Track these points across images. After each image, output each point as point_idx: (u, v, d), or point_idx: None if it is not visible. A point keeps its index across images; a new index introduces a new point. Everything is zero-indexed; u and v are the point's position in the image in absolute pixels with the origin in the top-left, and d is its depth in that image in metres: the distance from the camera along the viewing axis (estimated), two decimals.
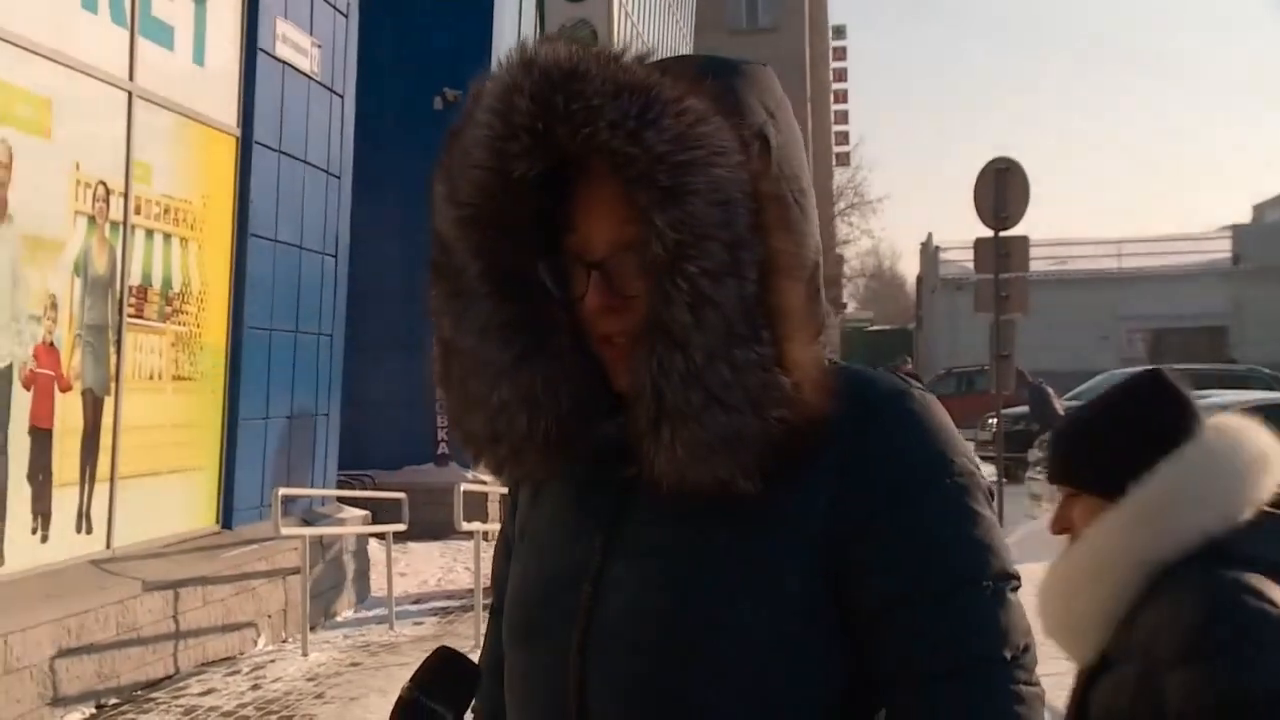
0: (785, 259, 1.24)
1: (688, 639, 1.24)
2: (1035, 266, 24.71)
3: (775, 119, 1.35)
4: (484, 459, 1.37)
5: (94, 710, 6.79)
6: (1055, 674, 1.77)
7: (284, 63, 9.44)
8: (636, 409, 1.25)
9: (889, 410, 1.30)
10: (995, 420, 15.93)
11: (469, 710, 1.34)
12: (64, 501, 7.14)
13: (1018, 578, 1.28)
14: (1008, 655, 1.23)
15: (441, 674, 1.32)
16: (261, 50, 9.06)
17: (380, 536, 10.50)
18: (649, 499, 1.29)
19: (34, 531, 6.88)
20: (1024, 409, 23.54)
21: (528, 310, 1.33)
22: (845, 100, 76.41)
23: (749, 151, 1.24)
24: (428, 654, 1.35)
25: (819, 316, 1.36)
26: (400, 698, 1.30)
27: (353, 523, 10.53)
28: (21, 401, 6.73)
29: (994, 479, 15.10)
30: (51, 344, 6.99)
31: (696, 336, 1.21)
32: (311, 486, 10.25)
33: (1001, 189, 14.69)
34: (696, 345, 1.21)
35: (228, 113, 8.85)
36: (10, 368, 6.64)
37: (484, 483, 12.02)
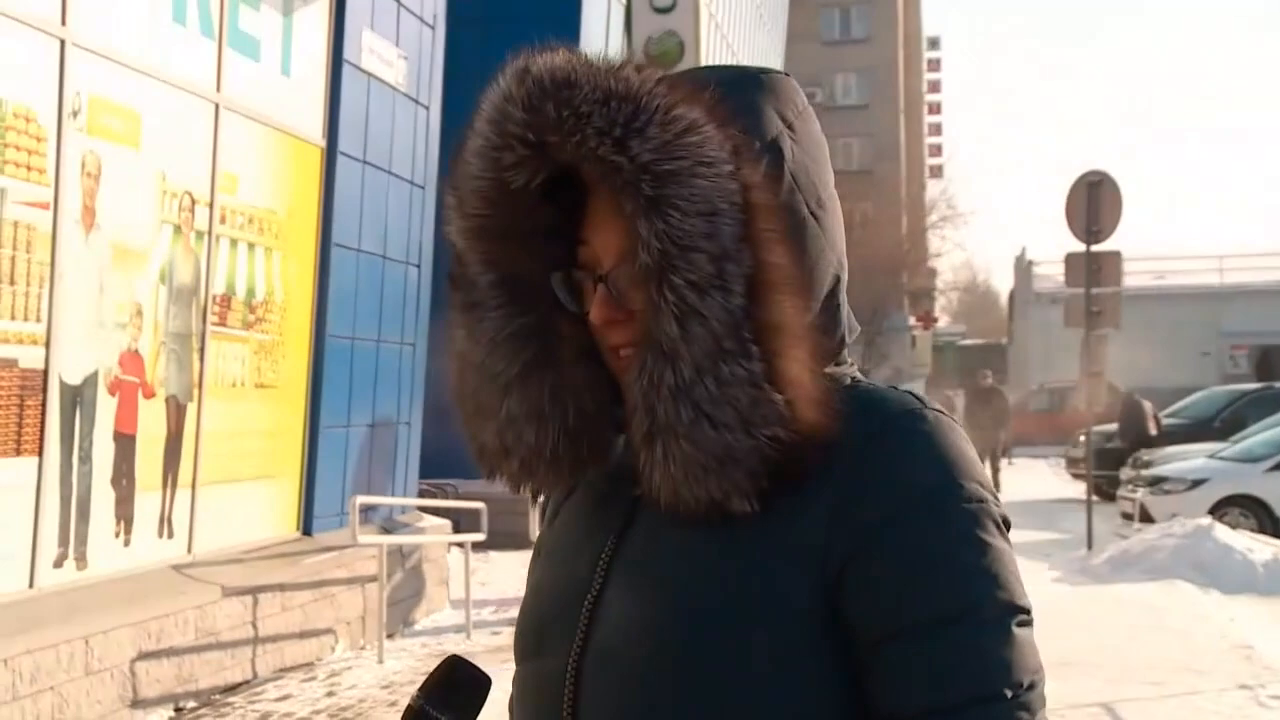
0: (777, 273, 1.21)
1: (678, 662, 1.22)
2: (1134, 281, 24.39)
3: (794, 130, 1.32)
4: (497, 473, 1.36)
5: (172, 713, 6.88)
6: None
7: (370, 74, 9.53)
8: (632, 424, 1.24)
9: (894, 430, 1.25)
10: (1085, 438, 15.63)
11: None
12: (146, 506, 7.25)
13: (1027, 611, 1.22)
14: (1008, 694, 1.17)
15: (450, 683, 1.29)
16: (348, 62, 9.15)
17: (459, 545, 10.55)
18: (651, 517, 1.28)
19: (116, 536, 6.99)
20: (1116, 425, 23.17)
21: (538, 322, 1.32)
22: (939, 112, 75.93)
23: (741, 161, 1.21)
24: (440, 662, 1.33)
25: (835, 333, 1.34)
26: (408, 706, 1.28)
27: (432, 531, 10.58)
28: (106, 407, 6.84)
29: (1084, 498, 14.88)
30: (136, 351, 7.10)
31: (684, 350, 1.19)
32: (392, 494, 10.33)
33: (1094, 202, 14.46)
34: (684, 359, 1.19)
35: (313, 124, 8.95)
36: (96, 374, 6.75)
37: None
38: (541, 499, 1.49)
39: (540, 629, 1.35)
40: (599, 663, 1.27)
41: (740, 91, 1.31)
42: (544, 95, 1.21)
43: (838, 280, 1.35)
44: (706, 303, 1.18)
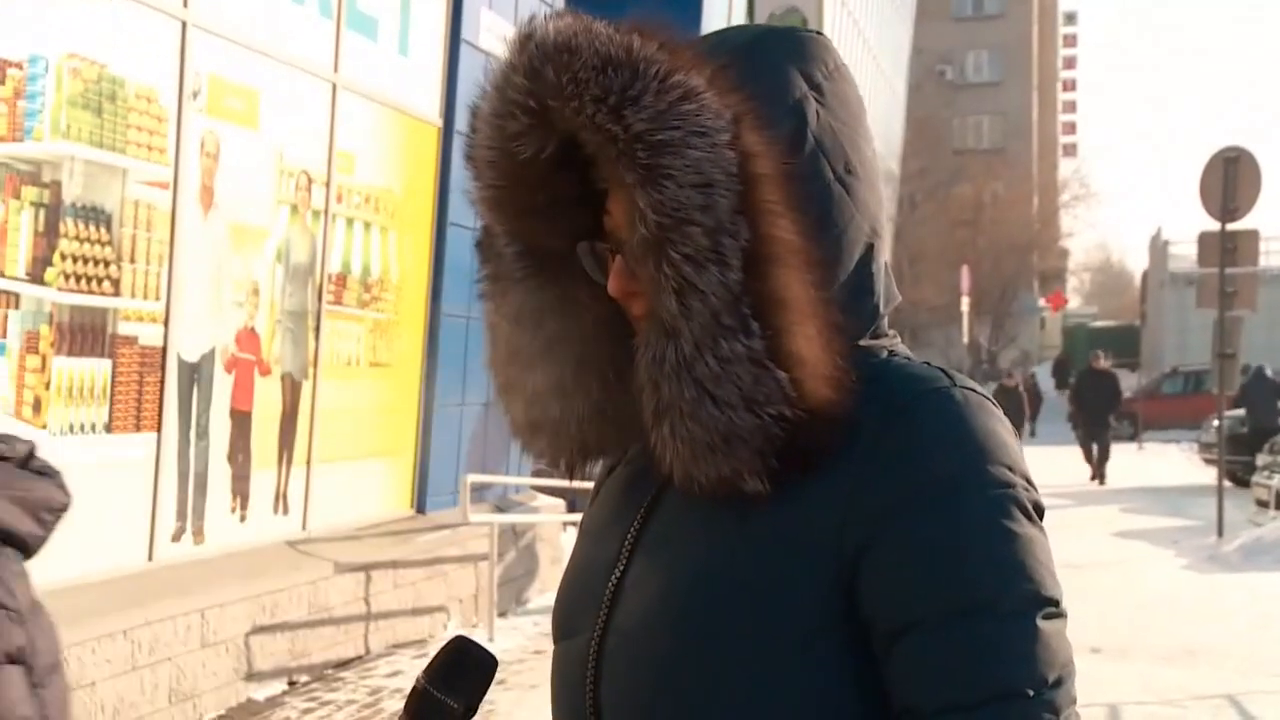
0: (778, 245, 1.16)
1: (692, 643, 1.19)
2: (1270, 261, 23.64)
3: (821, 92, 1.28)
4: (530, 448, 1.35)
5: (286, 686, 6.99)
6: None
7: (488, 54, 9.52)
8: (642, 402, 1.21)
9: (919, 408, 1.19)
10: (1218, 422, 15.20)
11: (482, 701, 1.30)
12: (262, 483, 7.38)
13: (1056, 603, 1.15)
14: (1029, 691, 1.11)
15: (454, 665, 1.28)
16: (465, 41, 9.19)
17: (573, 525, 10.57)
18: (675, 497, 1.25)
19: (232, 511, 7.13)
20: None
21: (561, 295, 1.31)
22: (1074, 89, 74.41)
23: (743, 129, 1.17)
24: (445, 643, 1.31)
25: (867, 303, 1.28)
26: (413, 689, 1.26)
27: (546, 511, 10.63)
28: (223, 385, 6.97)
29: (1216, 482, 14.47)
30: (253, 329, 7.21)
31: (684, 326, 1.16)
32: (506, 473, 10.38)
33: (1231, 179, 14.02)
34: (684, 336, 1.17)
35: (430, 104, 9.02)
36: (213, 352, 6.88)
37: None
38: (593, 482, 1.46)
39: (571, 608, 1.34)
40: (619, 642, 1.25)
41: (761, 53, 1.28)
42: (545, 60, 1.18)
43: (870, 248, 1.29)
44: (704, 277, 1.15)
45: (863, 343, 1.26)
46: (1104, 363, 23.33)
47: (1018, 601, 1.14)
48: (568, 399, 1.30)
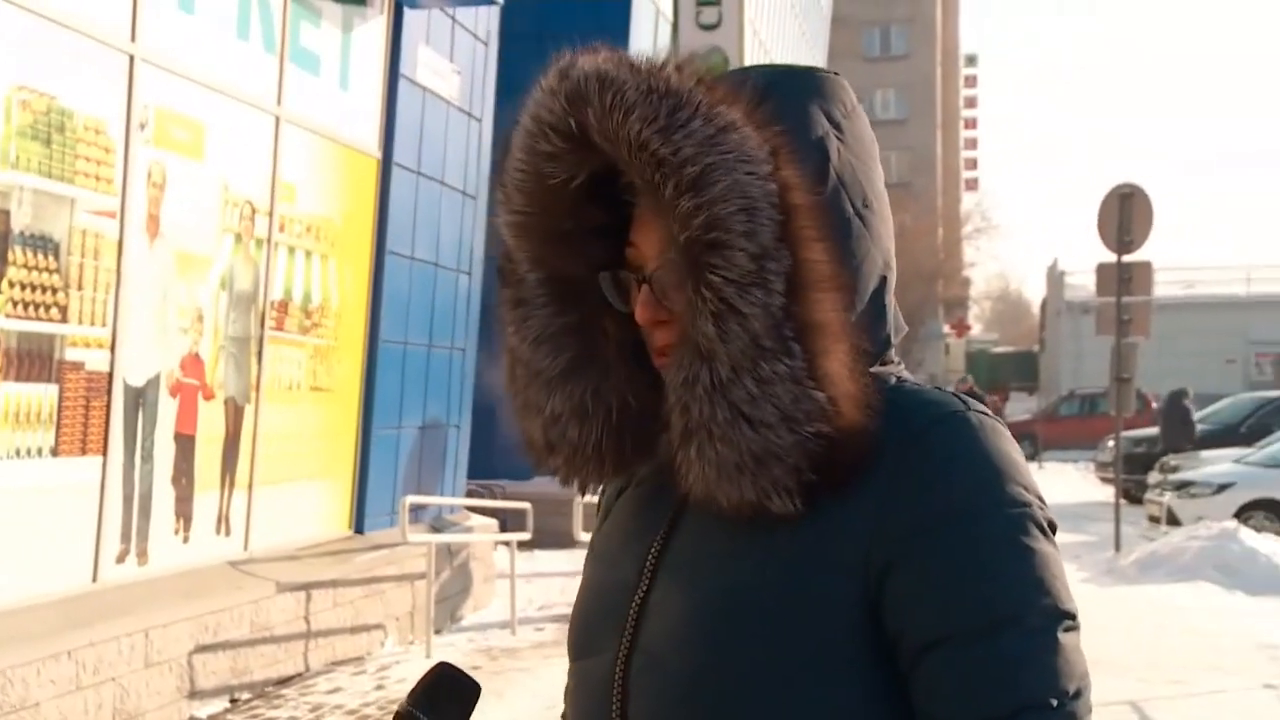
0: (816, 270, 1.19)
1: (721, 665, 1.21)
2: (1162, 291, 24.44)
3: (841, 130, 1.32)
4: (545, 468, 1.36)
5: (227, 704, 7.03)
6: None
7: (425, 89, 9.73)
8: (670, 424, 1.24)
9: (935, 433, 1.22)
10: (1114, 442, 15.78)
11: None
12: (205, 505, 7.43)
13: (1072, 617, 1.19)
14: (1053, 702, 1.15)
15: (438, 690, 1.29)
16: (404, 76, 9.34)
17: (505, 544, 10.74)
18: (696, 518, 1.28)
19: (176, 533, 7.16)
20: (1145, 431, 23.30)
21: (582, 321, 1.33)
22: (975, 126, 75.77)
23: (781, 162, 1.21)
24: (428, 669, 1.33)
25: (881, 333, 1.33)
26: (396, 713, 1.27)
27: (480, 530, 10.75)
28: (168, 409, 7.03)
29: (1113, 501, 14.99)
30: (197, 355, 7.30)
31: (721, 350, 1.18)
32: (442, 495, 10.49)
33: (1126, 214, 14.61)
34: (721, 359, 1.18)
35: (370, 136, 9.15)
36: (158, 377, 6.94)
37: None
38: (593, 496, 1.47)
39: (590, 629, 1.35)
40: (646, 663, 1.26)
41: (786, 91, 1.31)
42: (588, 88, 1.21)
43: (884, 280, 1.34)
44: (745, 300, 1.17)
45: (874, 369, 1.29)
46: (968, 385, 24.01)
47: (1040, 616, 1.17)
48: (586, 422, 1.31)
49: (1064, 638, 1.18)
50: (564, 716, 1.45)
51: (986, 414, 1.27)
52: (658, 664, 1.25)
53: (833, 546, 1.20)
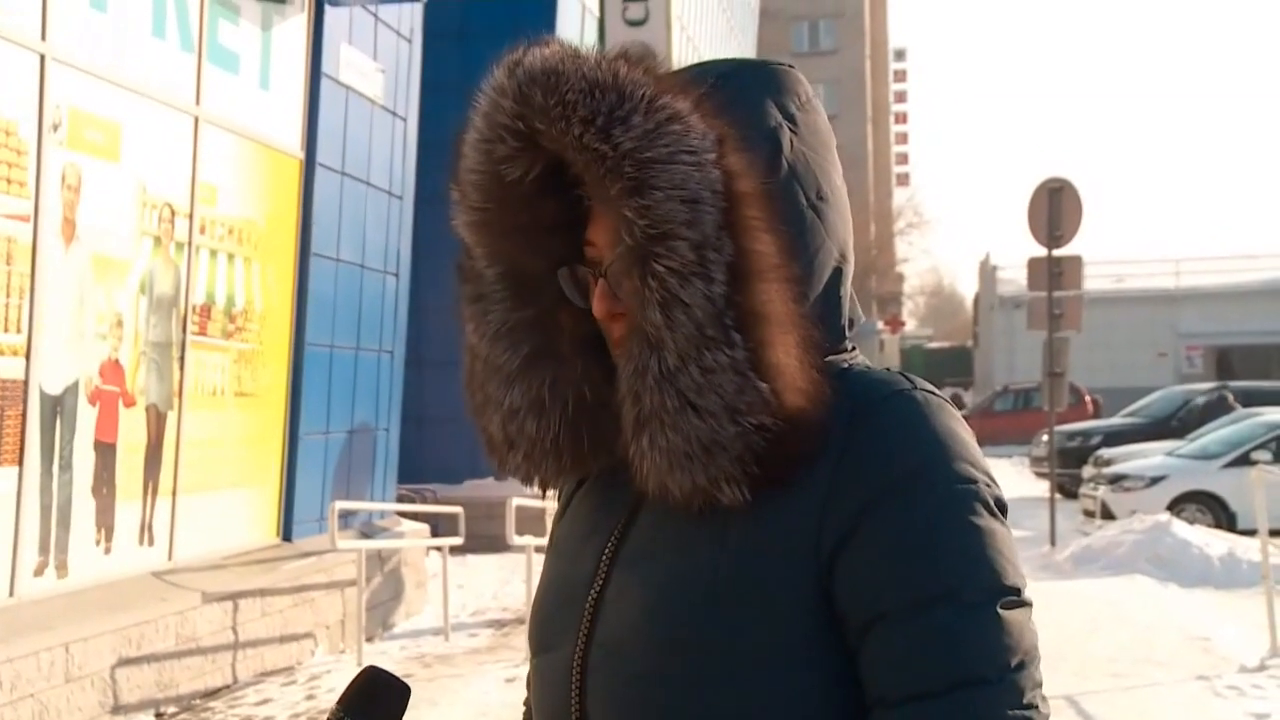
0: (759, 260, 1.21)
1: (677, 654, 1.22)
2: (1092, 285, 24.77)
3: (795, 122, 1.34)
4: (504, 465, 1.38)
5: (153, 718, 6.94)
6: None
7: (348, 87, 9.63)
8: (623, 414, 1.25)
9: (883, 411, 1.24)
10: (1048, 437, 15.92)
11: None
12: (127, 515, 7.32)
13: (1018, 592, 1.21)
14: (994, 676, 1.16)
15: (369, 694, 1.30)
16: (326, 75, 9.25)
17: (437, 549, 10.65)
18: (652, 512, 1.29)
19: (97, 543, 7.06)
20: (1078, 425, 23.57)
21: (539, 316, 1.35)
22: (905, 121, 76.48)
23: (726, 151, 1.22)
24: (357, 673, 1.34)
25: (836, 322, 1.35)
26: (328, 717, 1.28)
27: (411, 536, 10.68)
28: (87, 417, 6.91)
29: (1048, 496, 15.12)
30: (116, 361, 7.18)
31: (668, 338, 1.20)
32: (371, 500, 10.42)
33: (1055, 208, 14.69)
34: (668, 347, 1.20)
35: (292, 136, 9.05)
36: (76, 384, 6.82)
37: (540, 497, 12.10)
38: (539, 500, 1.53)
39: (549, 622, 1.37)
40: (603, 655, 1.28)
41: (739, 83, 1.33)
42: (532, 84, 1.23)
43: (839, 272, 1.35)
44: (688, 290, 1.19)
45: (829, 358, 1.29)
46: None
47: (978, 591, 1.18)
48: (544, 415, 1.33)
49: (1006, 614, 1.18)
50: (527, 706, 1.50)
51: (933, 392, 1.28)
52: (615, 656, 1.27)
53: (785, 534, 1.22)
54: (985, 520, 1.21)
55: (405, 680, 1.32)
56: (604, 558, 1.32)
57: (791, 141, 1.32)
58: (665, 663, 1.23)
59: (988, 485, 1.23)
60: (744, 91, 1.32)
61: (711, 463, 1.20)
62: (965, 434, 1.26)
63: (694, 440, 1.20)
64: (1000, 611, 1.18)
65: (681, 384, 1.20)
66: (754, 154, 1.25)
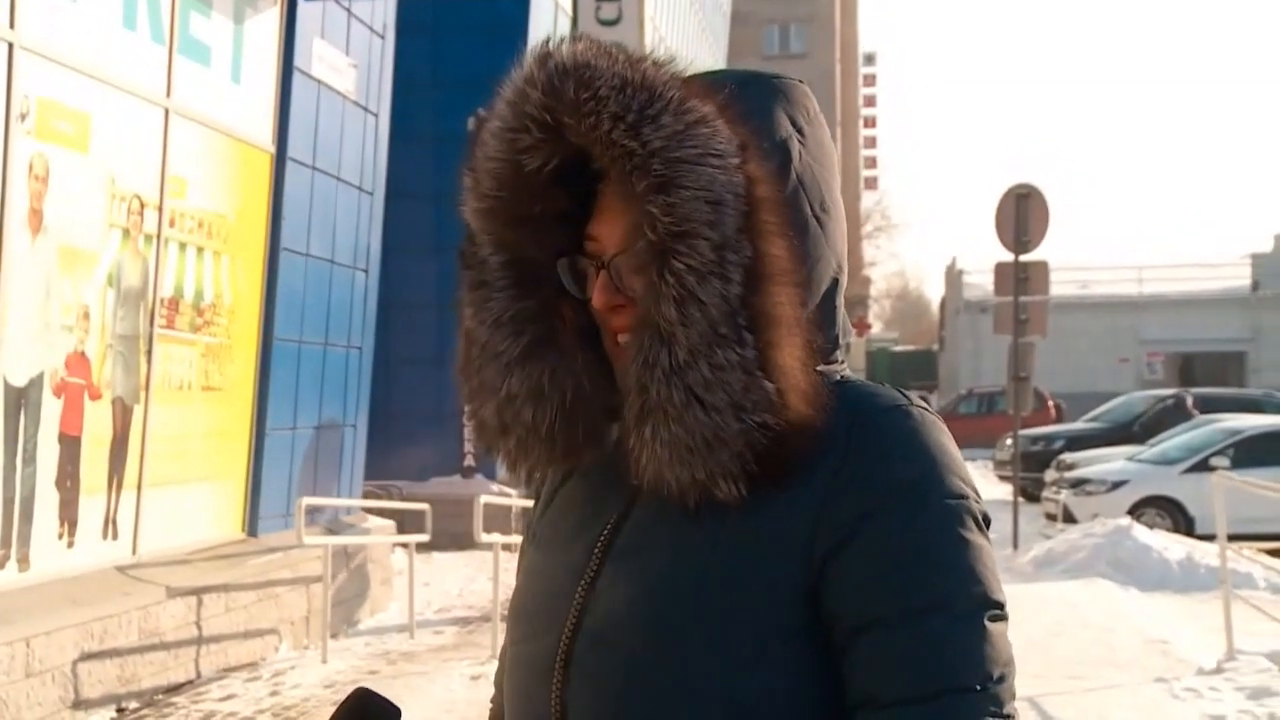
0: (774, 264, 1.24)
1: (663, 648, 1.25)
2: (1057, 290, 24.94)
3: (804, 135, 1.37)
4: (495, 451, 1.39)
5: (114, 713, 6.91)
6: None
7: (320, 82, 9.60)
8: (626, 405, 1.28)
9: (878, 425, 1.28)
10: (1012, 440, 16.03)
11: None
12: (91, 508, 7.28)
13: (1000, 606, 1.25)
14: (977, 686, 1.20)
15: (359, 715, 1.30)
16: (298, 69, 9.22)
17: (403, 546, 10.64)
18: (646, 507, 1.31)
19: (60, 537, 7.01)
20: (1042, 429, 23.73)
21: (541, 306, 1.36)
22: (874, 125, 76.72)
23: (748, 157, 1.25)
24: (348, 695, 1.33)
25: (830, 333, 1.38)
26: None
27: (377, 532, 10.67)
28: (51, 409, 6.86)
29: (1011, 499, 15.22)
30: (83, 353, 7.13)
31: (681, 333, 1.23)
32: (338, 496, 10.40)
33: (1022, 214, 14.81)
34: (680, 343, 1.23)
35: (263, 130, 9.01)
36: (41, 376, 6.77)
37: (507, 495, 12.13)
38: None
39: (535, 611, 1.38)
40: (589, 646, 1.29)
41: (754, 92, 1.36)
42: (565, 77, 1.25)
43: (835, 283, 1.39)
44: (705, 289, 1.22)
45: (820, 368, 1.32)
46: None
47: (969, 603, 1.22)
48: (542, 403, 1.34)
49: (990, 626, 1.23)
50: (495, 696, 1.51)
51: (927, 409, 1.32)
52: (602, 646, 1.28)
53: (778, 534, 1.25)
54: (974, 535, 1.25)
55: (371, 680, 1.31)
56: (596, 550, 1.34)
57: (800, 154, 1.36)
58: (649, 653, 1.25)
59: (976, 501, 1.28)
60: (758, 101, 1.35)
61: (712, 457, 1.23)
62: (955, 450, 1.30)
63: (697, 434, 1.23)
64: (987, 624, 1.23)
65: (690, 379, 1.23)
66: (768, 163, 1.29)
